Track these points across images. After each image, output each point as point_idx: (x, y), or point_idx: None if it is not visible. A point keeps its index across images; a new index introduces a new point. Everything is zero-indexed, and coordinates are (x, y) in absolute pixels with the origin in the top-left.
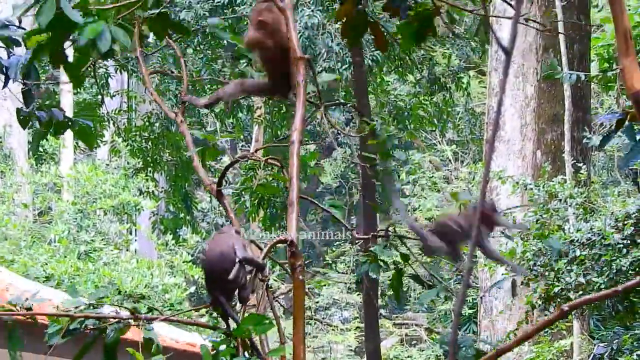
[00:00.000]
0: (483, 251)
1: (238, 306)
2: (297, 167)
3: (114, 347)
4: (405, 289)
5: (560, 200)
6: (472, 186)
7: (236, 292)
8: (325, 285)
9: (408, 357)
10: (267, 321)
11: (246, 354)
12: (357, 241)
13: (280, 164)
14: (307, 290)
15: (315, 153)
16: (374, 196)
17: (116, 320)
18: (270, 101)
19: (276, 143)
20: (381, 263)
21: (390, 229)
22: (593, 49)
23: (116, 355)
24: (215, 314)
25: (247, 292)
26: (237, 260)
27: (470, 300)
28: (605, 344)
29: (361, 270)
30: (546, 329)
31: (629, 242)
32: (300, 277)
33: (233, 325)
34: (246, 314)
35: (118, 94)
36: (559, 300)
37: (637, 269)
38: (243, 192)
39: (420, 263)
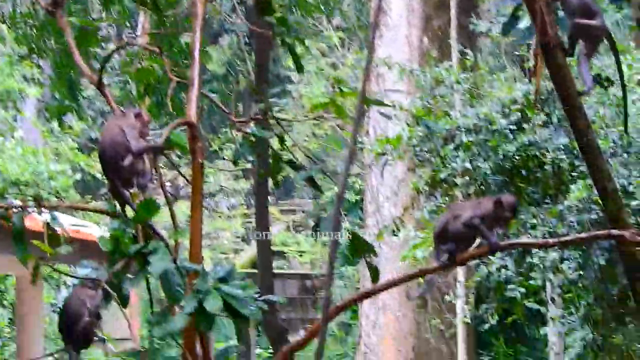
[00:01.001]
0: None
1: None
2: (199, 44)
3: (21, 233)
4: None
5: (447, 86)
6: (358, 72)
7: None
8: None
9: (295, 242)
10: (157, 206)
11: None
12: (239, 126)
13: (160, 50)
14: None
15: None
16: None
17: (20, 207)
18: None
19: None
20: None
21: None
22: None
23: (24, 239)
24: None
25: (146, 179)
26: (131, 151)
27: (358, 187)
28: None
29: (240, 153)
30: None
31: (515, 127)
32: (200, 160)
33: (130, 212)
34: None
35: None
36: (445, 185)
37: (523, 155)
38: (129, 80)
39: (298, 147)
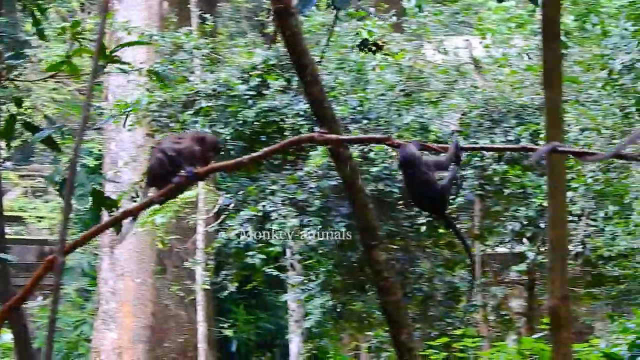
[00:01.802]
0: None
1: None
2: None
3: None
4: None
5: (186, 51)
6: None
7: None
8: None
9: (33, 208)
10: None
11: None
12: None
13: None
14: None
15: None
16: None
17: None
18: None
19: None
20: None
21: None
22: None
23: None
24: None
25: None
26: None
27: (98, 151)
28: (231, 195)
29: None
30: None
31: (254, 93)
32: None
33: None
34: None
35: None
36: None
37: (263, 120)
38: None
39: (37, 109)
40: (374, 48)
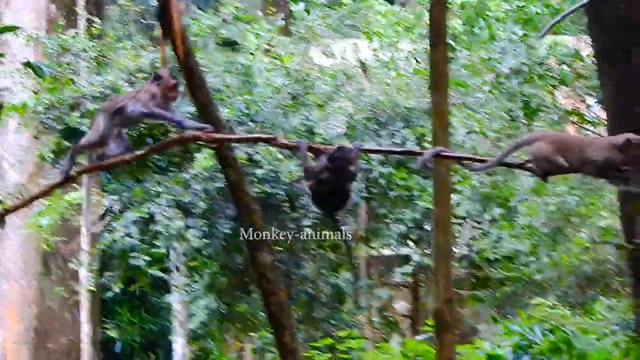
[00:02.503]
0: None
1: None
2: None
3: None
4: None
5: (73, 53)
6: None
7: None
8: None
9: None
10: None
11: None
12: None
13: None
14: None
15: None
16: None
17: None
18: None
19: None
20: None
21: None
22: None
23: None
24: None
25: None
26: None
27: None
28: (116, 196)
29: None
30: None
31: None
32: None
33: None
34: None
35: None
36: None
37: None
38: None
39: None
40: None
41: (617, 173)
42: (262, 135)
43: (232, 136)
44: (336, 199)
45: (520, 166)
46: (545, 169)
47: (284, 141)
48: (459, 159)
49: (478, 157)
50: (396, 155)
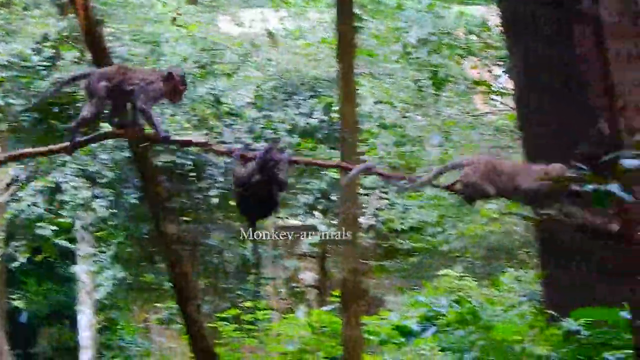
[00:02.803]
0: None
1: None
2: None
3: None
4: None
5: None
6: None
7: None
8: None
9: None
10: None
11: None
12: None
13: None
14: None
15: None
16: None
17: None
18: None
19: None
20: None
21: None
22: None
23: None
24: None
25: None
26: None
27: None
28: (22, 166)
29: None
30: None
31: (49, 64)
32: None
33: None
34: None
35: None
36: None
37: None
38: None
39: None
40: None
41: (547, 201)
42: (195, 140)
43: (175, 140)
44: (263, 207)
45: (449, 188)
46: (471, 195)
47: (218, 148)
48: (387, 177)
49: (407, 176)
50: (305, 125)
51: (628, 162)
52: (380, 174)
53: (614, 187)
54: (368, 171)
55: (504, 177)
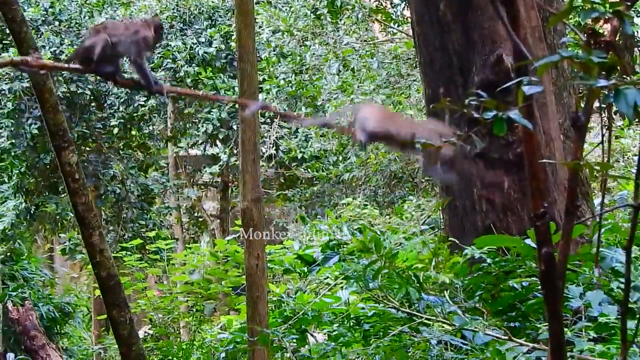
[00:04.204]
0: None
1: None
2: None
3: None
4: None
5: None
6: None
7: None
8: None
9: None
10: None
11: None
12: None
13: None
14: None
15: None
16: None
17: None
18: None
19: None
20: None
21: None
22: None
23: None
24: None
25: None
26: None
27: None
28: None
29: None
30: None
31: None
32: None
33: None
34: None
35: None
36: None
37: None
38: None
39: None
40: None
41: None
42: (70, 66)
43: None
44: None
45: (343, 130)
46: (367, 139)
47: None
48: (283, 116)
49: (300, 116)
50: (203, 54)
51: (529, 89)
52: (275, 112)
53: (514, 114)
54: (265, 109)
55: (400, 125)
